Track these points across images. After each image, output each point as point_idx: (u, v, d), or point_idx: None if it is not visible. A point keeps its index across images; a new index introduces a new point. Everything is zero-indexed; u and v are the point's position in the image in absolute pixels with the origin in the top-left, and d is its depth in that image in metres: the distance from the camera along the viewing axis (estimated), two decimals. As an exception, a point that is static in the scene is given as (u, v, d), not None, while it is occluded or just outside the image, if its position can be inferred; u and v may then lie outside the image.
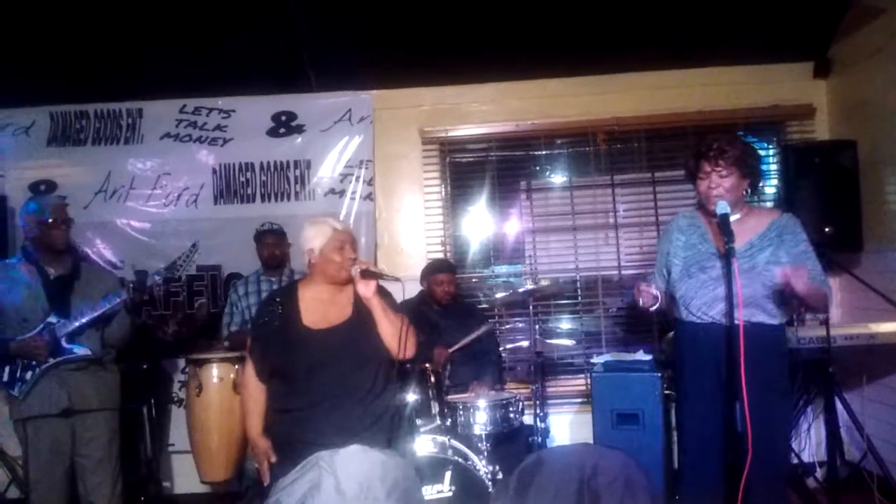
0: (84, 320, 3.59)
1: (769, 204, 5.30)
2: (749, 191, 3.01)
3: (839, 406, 4.24)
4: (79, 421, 3.65)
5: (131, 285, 3.63)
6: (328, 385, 2.88)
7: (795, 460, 4.71)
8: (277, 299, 3.10)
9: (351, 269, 2.93)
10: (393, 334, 2.91)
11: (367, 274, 2.91)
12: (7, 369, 3.57)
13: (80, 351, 3.61)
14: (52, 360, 3.56)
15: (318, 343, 2.92)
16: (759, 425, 2.65)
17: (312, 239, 2.99)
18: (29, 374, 3.55)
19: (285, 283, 4.42)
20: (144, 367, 4.75)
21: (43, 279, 3.64)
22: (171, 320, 5.12)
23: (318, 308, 3.00)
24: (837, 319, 4.93)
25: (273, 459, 2.95)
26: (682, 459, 3.11)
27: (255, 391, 3.03)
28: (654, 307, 3.06)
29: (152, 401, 4.86)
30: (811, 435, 4.84)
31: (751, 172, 2.94)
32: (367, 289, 2.90)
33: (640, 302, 3.05)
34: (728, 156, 2.86)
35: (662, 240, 3.17)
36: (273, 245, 4.65)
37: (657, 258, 3.21)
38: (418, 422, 3.75)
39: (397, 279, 3.03)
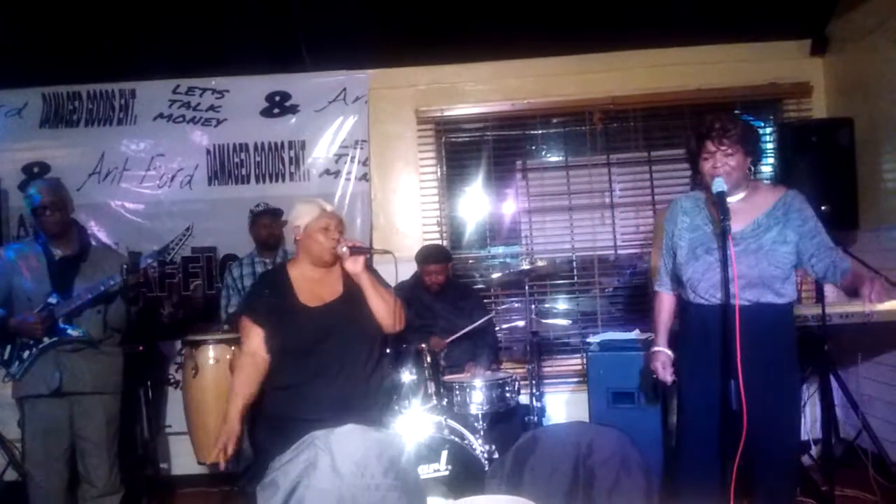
0: (80, 301, 3.61)
1: (766, 182, 5.29)
2: (752, 168, 2.96)
3: (834, 384, 4.26)
4: (76, 402, 3.68)
5: (124, 267, 3.62)
6: (324, 361, 2.92)
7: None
8: (268, 279, 3.18)
9: (336, 249, 2.96)
10: (384, 308, 2.97)
11: (354, 250, 2.94)
12: (7, 348, 3.62)
13: (74, 332, 3.62)
14: (47, 340, 3.58)
15: (314, 320, 2.96)
16: (764, 406, 2.69)
17: (300, 217, 3.05)
18: (26, 354, 3.59)
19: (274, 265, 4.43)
20: (140, 349, 4.73)
21: (48, 260, 3.68)
22: (167, 302, 5.10)
23: (310, 287, 3.04)
24: (833, 297, 4.93)
25: (230, 451, 2.89)
26: (681, 440, 3.08)
27: (249, 371, 2.98)
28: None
29: (149, 383, 4.86)
30: (806, 413, 4.84)
31: (753, 150, 2.91)
32: (355, 265, 2.95)
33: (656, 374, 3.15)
34: (731, 134, 2.82)
35: (667, 220, 3.10)
36: (269, 226, 4.64)
37: (662, 237, 3.15)
38: (415, 401, 3.75)
39: (387, 251, 3.06)
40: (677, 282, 3.07)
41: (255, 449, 3.10)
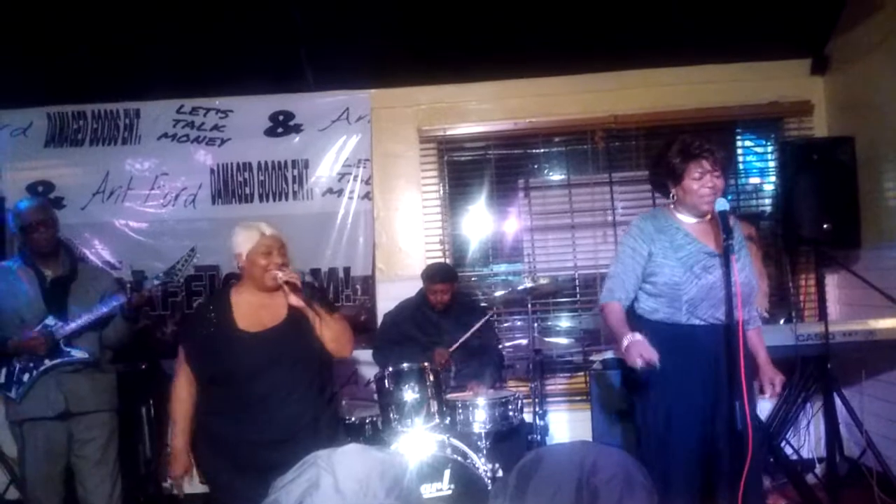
0: (82, 323, 3.59)
1: (766, 201, 5.31)
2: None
3: (838, 402, 4.24)
4: (75, 423, 3.65)
5: (129, 286, 3.63)
6: (267, 386, 2.90)
7: (795, 457, 4.72)
8: (210, 306, 3.13)
9: (276, 277, 2.94)
10: (330, 334, 2.96)
11: (290, 286, 2.93)
12: (4, 371, 3.58)
13: (78, 354, 3.61)
14: (49, 362, 3.56)
15: (255, 346, 2.94)
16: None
17: (241, 244, 3.03)
18: (26, 377, 3.56)
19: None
20: (143, 367, 4.76)
21: (40, 281, 3.65)
22: (170, 321, 5.12)
23: (252, 312, 3.02)
24: (836, 316, 4.93)
25: (191, 478, 3.09)
26: (667, 460, 2.95)
27: (185, 400, 3.04)
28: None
29: (151, 401, 4.86)
30: (810, 431, 4.85)
31: (727, 175, 3.02)
32: (296, 300, 2.94)
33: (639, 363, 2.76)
34: (721, 156, 2.88)
35: (636, 239, 3.00)
36: None
37: (625, 259, 3.02)
38: (417, 420, 3.74)
39: (312, 284, 3.05)
40: (658, 302, 2.99)
41: (205, 476, 3.11)
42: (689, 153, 2.89)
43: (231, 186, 5.27)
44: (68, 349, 3.59)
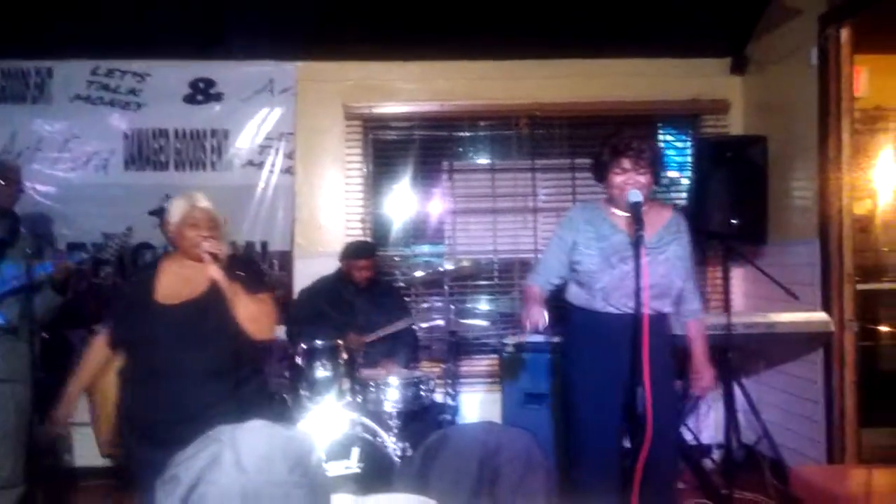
0: (7, 288, 3.53)
1: (683, 195, 5.45)
2: (654, 188, 3.10)
3: (737, 391, 4.41)
4: None
5: (29, 252, 3.51)
6: (165, 360, 2.84)
7: (694, 442, 4.89)
8: (140, 272, 3.13)
9: (200, 249, 2.88)
10: (245, 314, 2.86)
11: (211, 256, 2.87)
12: None
13: None
14: None
15: (162, 318, 2.88)
16: (659, 409, 2.74)
17: (173, 212, 2.99)
18: None
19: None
20: (45, 336, 4.57)
21: None
22: (72, 289, 4.92)
23: (174, 283, 2.96)
24: (740, 308, 5.11)
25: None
26: (578, 443, 3.14)
27: (95, 356, 3.05)
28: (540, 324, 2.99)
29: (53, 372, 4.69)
30: (710, 418, 5.03)
31: (659, 172, 3.08)
32: (214, 272, 2.86)
33: (529, 327, 2.97)
34: (646, 155, 2.95)
35: (564, 228, 3.17)
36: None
37: (552, 246, 3.21)
38: (328, 397, 3.72)
39: (246, 259, 3.02)
40: (581, 289, 3.11)
41: (122, 448, 3.09)
42: (615, 148, 2.98)
43: (145, 153, 5.10)
44: None
